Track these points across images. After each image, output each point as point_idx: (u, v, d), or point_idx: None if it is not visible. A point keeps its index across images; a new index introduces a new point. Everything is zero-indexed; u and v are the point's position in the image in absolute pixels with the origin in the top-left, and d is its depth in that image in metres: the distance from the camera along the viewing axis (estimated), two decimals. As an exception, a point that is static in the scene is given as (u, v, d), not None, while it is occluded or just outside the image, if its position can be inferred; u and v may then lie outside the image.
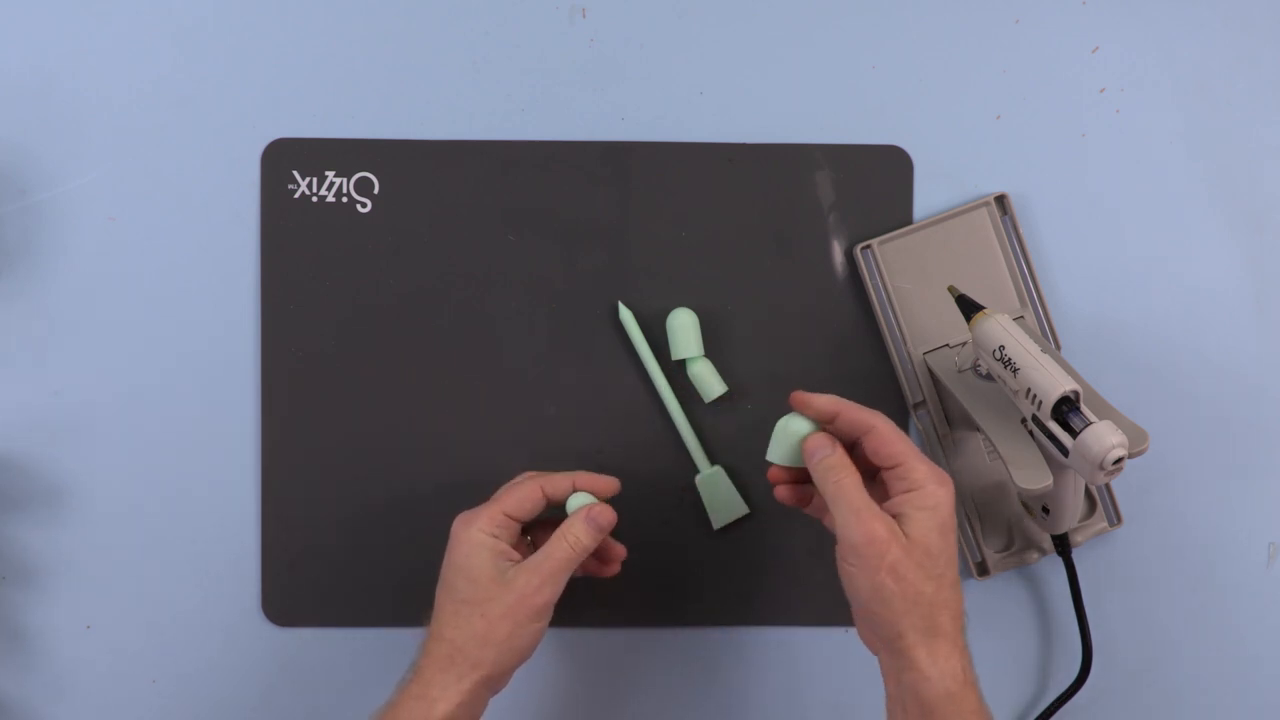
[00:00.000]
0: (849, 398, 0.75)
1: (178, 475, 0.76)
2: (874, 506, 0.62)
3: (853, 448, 0.66)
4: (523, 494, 0.67)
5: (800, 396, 0.66)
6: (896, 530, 0.61)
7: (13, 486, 0.76)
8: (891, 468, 0.63)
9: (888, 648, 0.62)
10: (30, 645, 0.76)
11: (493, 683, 0.65)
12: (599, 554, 0.71)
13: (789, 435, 0.66)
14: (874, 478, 0.65)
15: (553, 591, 0.65)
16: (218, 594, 0.76)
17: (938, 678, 0.61)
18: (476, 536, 0.65)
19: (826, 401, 0.65)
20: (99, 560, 0.76)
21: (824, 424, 0.66)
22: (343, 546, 0.76)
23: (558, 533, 0.66)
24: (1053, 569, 0.78)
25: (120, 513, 0.76)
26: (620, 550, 0.72)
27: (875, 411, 0.65)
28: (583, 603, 0.76)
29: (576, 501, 0.68)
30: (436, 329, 0.76)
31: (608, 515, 0.67)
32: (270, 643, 0.77)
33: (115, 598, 0.76)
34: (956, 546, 0.63)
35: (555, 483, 0.68)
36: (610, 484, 0.69)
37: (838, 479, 0.63)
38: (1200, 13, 0.77)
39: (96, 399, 0.76)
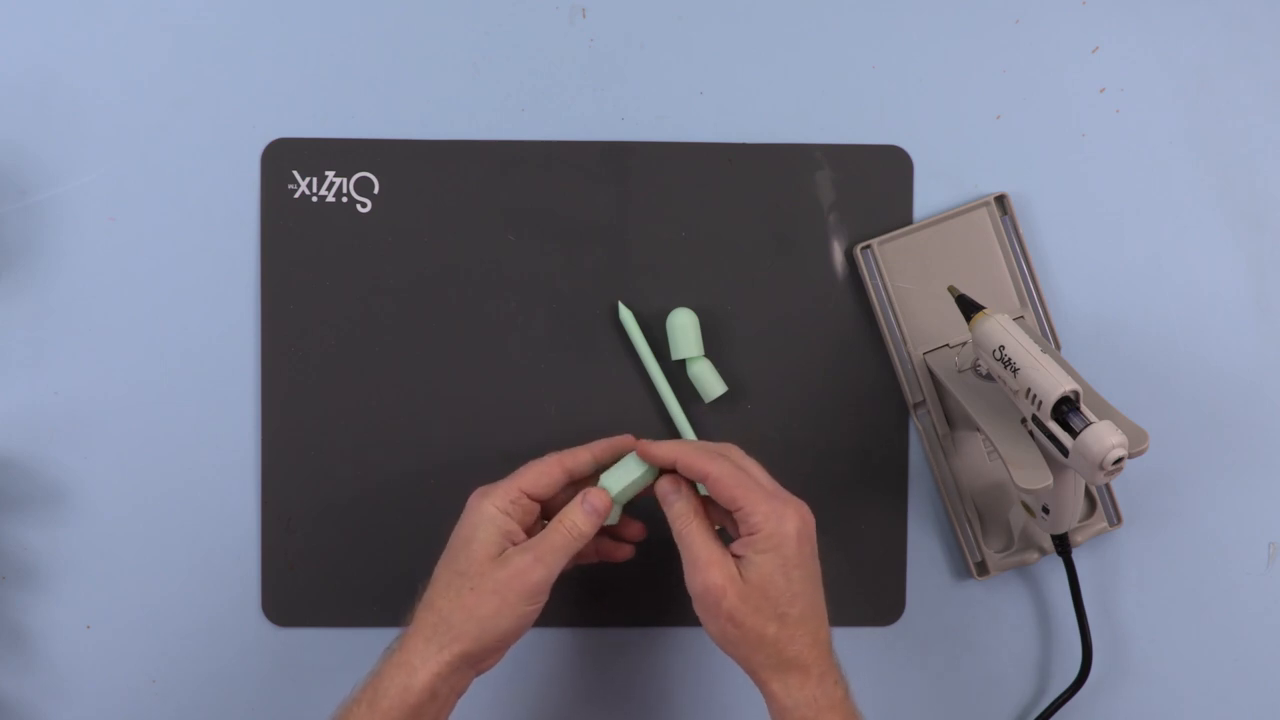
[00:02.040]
0: (849, 398, 0.76)
1: (178, 475, 0.76)
2: (715, 553, 0.63)
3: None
4: (541, 470, 0.67)
5: (643, 448, 0.67)
6: (734, 576, 0.63)
7: (13, 486, 0.76)
8: (734, 510, 0.64)
9: (752, 680, 0.64)
10: (30, 645, 0.76)
11: (472, 659, 0.64)
12: (613, 533, 0.71)
13: (629, 473, 0.67)
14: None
15: (545, 573, 0.64)
16: (218, 594, 0.76)
17: (793, 707, 0.62)
18: (487, 510, 0.65)
19: (666, 450, 0.66)
20: (99, 560, 0.76)
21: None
22: (343, 547, 0.76)
23: (556, 517, 0.66)
24: (1053, 569, 0.78)
25: (120, 513, 0.76)
26: (637, 529, 0.72)
27: (717, 454, 0.65)
28: (583, 602, 0.76)
29: (623, 467, 0.68)
30: (436, 329, 0.76)
31: (604, 500, 0.66)
32: (270, 643, 0.77)
33: (115, 598, 0.76)
34: (813, 576, 0.63)
35: (575, 457, 0.68)
36: (626, 441, 0.69)
37: (683, 526, 0.65)
38: (1200, 13, 0.77)
39: (96, 399, 0.76)
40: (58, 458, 0.76)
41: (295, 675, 0.77)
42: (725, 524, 0.67)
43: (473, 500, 0.66)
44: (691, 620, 0.77)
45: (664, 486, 0.67)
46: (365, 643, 0.76)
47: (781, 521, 0.63)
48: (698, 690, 0.78)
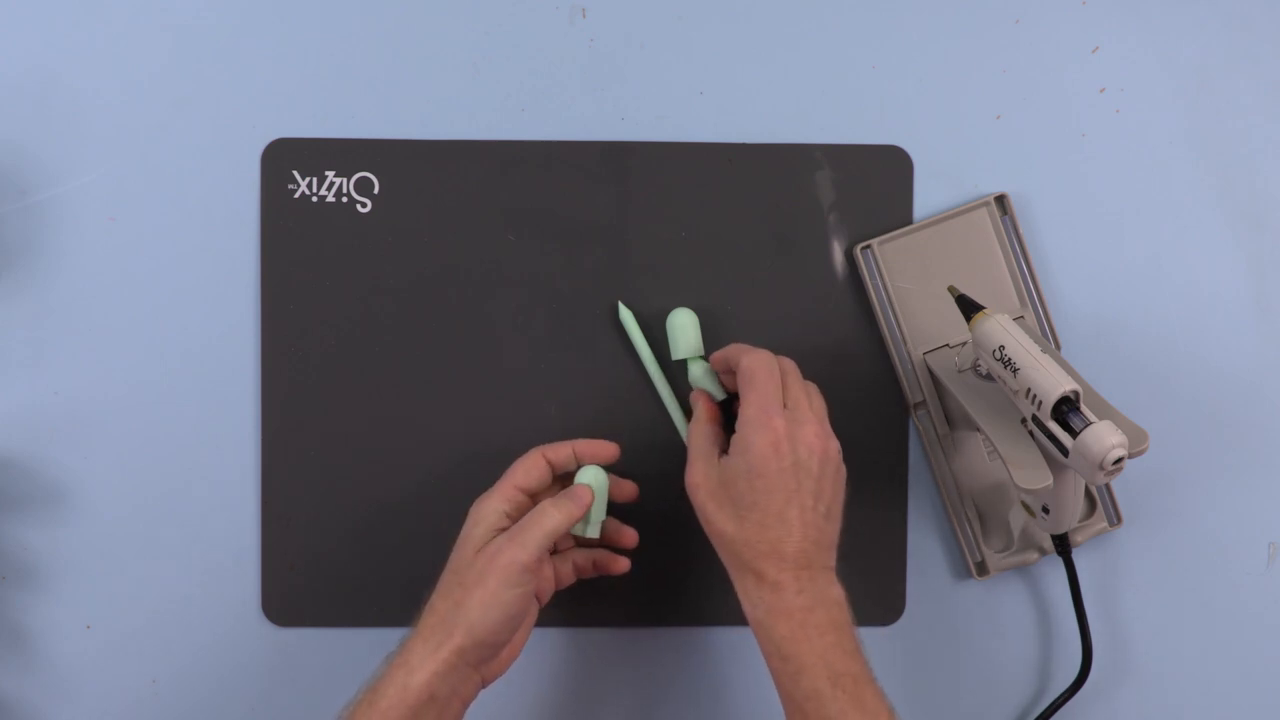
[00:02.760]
0: (849, 398, 0.76)
1: (178, 475, 0.76)
2: (700, 454, 0.68)
3: None
4: (529, 464, 0.69)
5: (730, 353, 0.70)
6: (711, 475, 0.67)
7: (13, 486, 0.76)
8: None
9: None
10: (30, 645, 0.76)
11: (468, 655, 0.64)
12: (608, 544, 0.73)
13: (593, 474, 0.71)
14: None
15: (523, 554, 0.64)
16: (218, 594, 0.76)
17: (749, 608, 0.65)
18: (483, 510, 0.67)
19: (723, 353, 0.71)
20: (99, 560, 0.76)
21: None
22: (343, 546, 0.76)
23: (537, 505, 0.67)
24: (1053, 569, 0.78)
25: (120, 512, 0.76)
26: (630, 536, 0.73)
27: (757, 353, 0.68)
28: (583, 602, 0.76)
29: (581, 478, 0.70)
30: (436, 329, 0.76)
31: (585, 496, 0.69)
32: (270, 643, 0.77)
33: (115, 598, 0.76)
34: (787, 488, 0.65)
35: (556, 450, 0.70)
36: (608, 448, 0.71)
37: (692, 426, 0.70)
38: (1200, 13, 0.77)
39: (96, 399, 0.76)
40: (58, 458, 0.76)
41: (295, 675, 0.77)
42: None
43: (472, 507, 0.68)
44: (692, 620, 0.77)
45: (692, 397, 0.72)
46: (365, 643, 0.76)
47: (759, 429, 0.65)
48: (697, 690, 0.78)
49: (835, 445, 0.67)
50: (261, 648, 0.77)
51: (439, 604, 0.65)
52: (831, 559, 0.66)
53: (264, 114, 0.76)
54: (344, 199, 0.76)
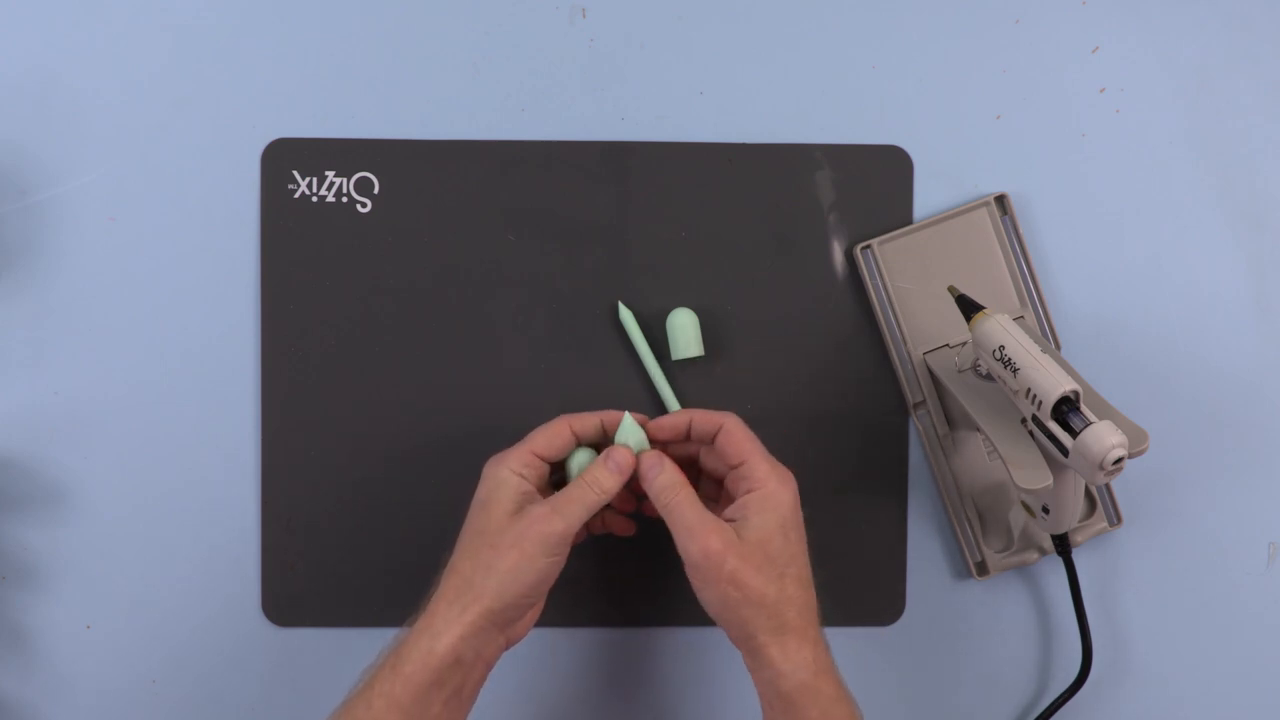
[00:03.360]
0: (849, 398, 0.76)
1: (178, 475, 0.76)
2: (708, 520, 0.64)
3: (691, 464, 0.70)
4: (551, 432, 0.68)
5: (653, 425, 0.69)
6: (732, 539, 0.63)
7: (13, 486, 0.76)
8: (736, 465, 0.65)
9: (744, 648, 0.64)
10: (30, 645, 0.76)
11: (496, 617, 0.63)
12: (619, 502, 0.71)
13: (635, 431, 0.68)
14: (721, 485, 0.69)
15: (563, 525, 0.64)
16: (218, 594, 0.76)
17: (791, 671, 0.62)
18: (502, 473, 0.66)
19: (676, 419, 0.69)
20: (99, 560, 0.76)
21: (671, 440, 0.69)
22: (343, 547, 0.76)
23: (579, 475, 0.66)
24: (1053, 569, 0.78)
25: (120, 513, 0.76)
26: (631, 502, 0.72)
27: (726, 412, 0.68)
28: (583, 602, 0.76)
29: (620, 436, 0.68)
30: (436, 329, 0.76)
31: (629, 458, 0.67)
32: (270, 643, 0.77)
33: (115, 598, 0.76)
34: (804, 543, 0.65)
35: (583, 421, 0.68)
36: (637, 418, 0.69)
37: (671, 497, 0.65)
38: (1200, 13, 0.77)
39: (96, 399, 0.76)
40: (58, 458, 0.76)
41: (295, 675, 0.77)
42: (709, 497, 0.68)
43: (488, 467, 0.67)
44: (692, 620, 0.77)
45: (646, 462, 0.67)
46: (365, 643, 0.76)
47: (782, 482, 0.64)
48: (697, 690, 0.78)
49: None
50: (261, 648, 0.77)
51: (462, 564, 0.64)
52: None
53: (264, 114, 0.76)
54: (344, 199, 0.76)
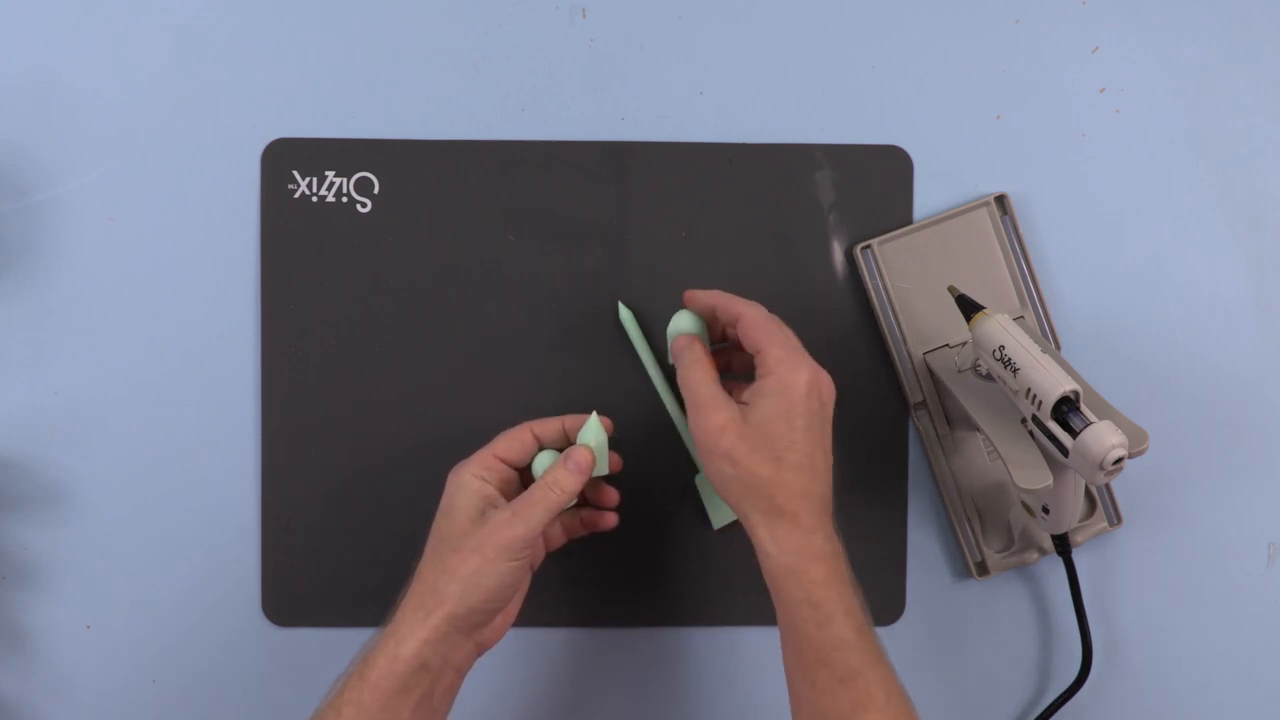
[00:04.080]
0: (849, 398, 0.76)
1: (178, 475, 0.76)
2: (718, 398, 0.65)
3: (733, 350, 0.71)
4: (512, 437, 0.68)
5: (689, 293, 0.70)
6: (735, 417, 0.64)
7: (13, 486, 0.76)
8: (756, 354, 0.66)
9: (744, 529, 0.65)
10: (30, 645, 0.76)
11: (459, 622, 0.64)
12: (593, 498, 0.72)
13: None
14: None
15: (524, 528, 0.64)
16: (218, 594, 0.76)
17: (777, 554, 0.63)
18: (463, 478, 0.66)
19: (708, 295, 0.69)
20: (99, 560, 0.76)
21: (709, 320, 0.70)
22: (343, 547, 0.76)
23: (540, 478, 0.67)
24: (1053, 569, 0.78)
25: (120, 513, 0.76)
26: (612, 495, 0.72)
27: (752, 303, 0.67)
28: (583, 602, 0.76)
29: (582, 436, 0.68)
30: (436, 329, 0.76)
31: (587, 457, 0.67)
32: (270, 643, 0.77)
33: (115, 598, 0.76)
34: (815, 431, 0.64)
35: (545, 425, 0.69)
36: (602, 422, 0.70)
37: (688, 373, 0.66)
38: (1200, 13, 0.77)
39: (96, 399, 0.76)
40: (58, 458, 0.76)
41: (295, 675, 0.77)
42: (736, 384, 0.68)
43: (451, 474, 0.68)
44: (691, 620, 0.77)
45: (680, 342, 0.68)
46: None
47: (794, 370, 0.64)
48: (698, 690, 0.78)
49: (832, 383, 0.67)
50: (261, 648, 0.77)
51: (426, 571, 0.65)
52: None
53: (264, 114, 0.76)
54: (344, 199, 0.76)
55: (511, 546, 0.64)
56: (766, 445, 0.63)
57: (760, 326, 0.66)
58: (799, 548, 0.63)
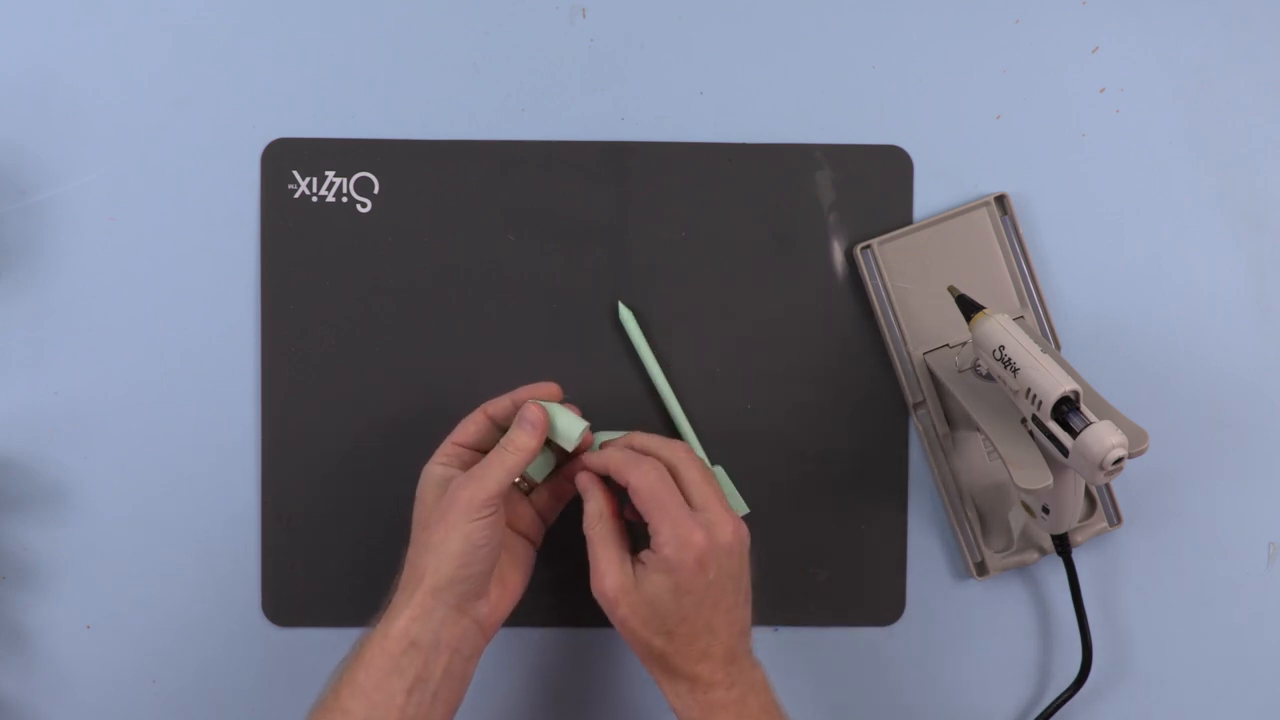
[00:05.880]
0: (849, 398, 0.76)
1: (178, 475, 0.76)
2: (613, 561, 0.65)
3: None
4: (468, 421, 0.70)
5: (583, 461, 0.69)
6: (627, 587, 0.64)
7: (13, 486, 0.76)
8: (648, 525, 0.65)
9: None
10: (30, 645, 0.76)
11: (442, 594, 0.64)
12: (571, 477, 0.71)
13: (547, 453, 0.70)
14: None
15: (479, 487, 0.64)
16: (218, 594, 0.76)
17: (682, 709, 0.65)
18: (428, 469, 0.68)
19: (599, 458, 0.67)
20: (99, 560, 0.76)
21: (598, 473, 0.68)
22: (343, 547, 0.76)
23: (499, 443, 0.67)
24: (1053, 569, 0.78)
25: (120, 513, 0.76)
26: (585, 439, 0.70)
27: (643, 463, 0.65)
28: (580, 603, 0.76)
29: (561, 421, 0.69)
30: (436, 329, 0.76)
31: (539, 413, 0.67)
32: (270, 643, 0.77)
33: (115, 598, 0.76)
34: (711, 598, 0.64)
35: (496, 404, 0.70)
36: (548, 388, 0.70)
37: (589, 529, 0.66)
38: (1200, 13, 0.77)
39: (96, 399, 0.76)
40: (58, 458, 0.76)
41: (295, 675, 0.77)
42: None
43: (422, 472, 0.69)
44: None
45: (581, 482, 0.68)
46: (365, 643, 0.76)
47: (681, 548, 0.63)
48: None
49: (744, 529, 0.65)
50: (261, 648, 0.77)
51: (410, 554, 0.67)
52: (750, 641, 0.67)
53: (264, 114, 0.76)
54: (344, 199, 0.76)
55: (471, 505, 0.64)
56: (657, 620, 0.64)
57: (647, 499, 0.64)
58: (701, 703, 0.64)
